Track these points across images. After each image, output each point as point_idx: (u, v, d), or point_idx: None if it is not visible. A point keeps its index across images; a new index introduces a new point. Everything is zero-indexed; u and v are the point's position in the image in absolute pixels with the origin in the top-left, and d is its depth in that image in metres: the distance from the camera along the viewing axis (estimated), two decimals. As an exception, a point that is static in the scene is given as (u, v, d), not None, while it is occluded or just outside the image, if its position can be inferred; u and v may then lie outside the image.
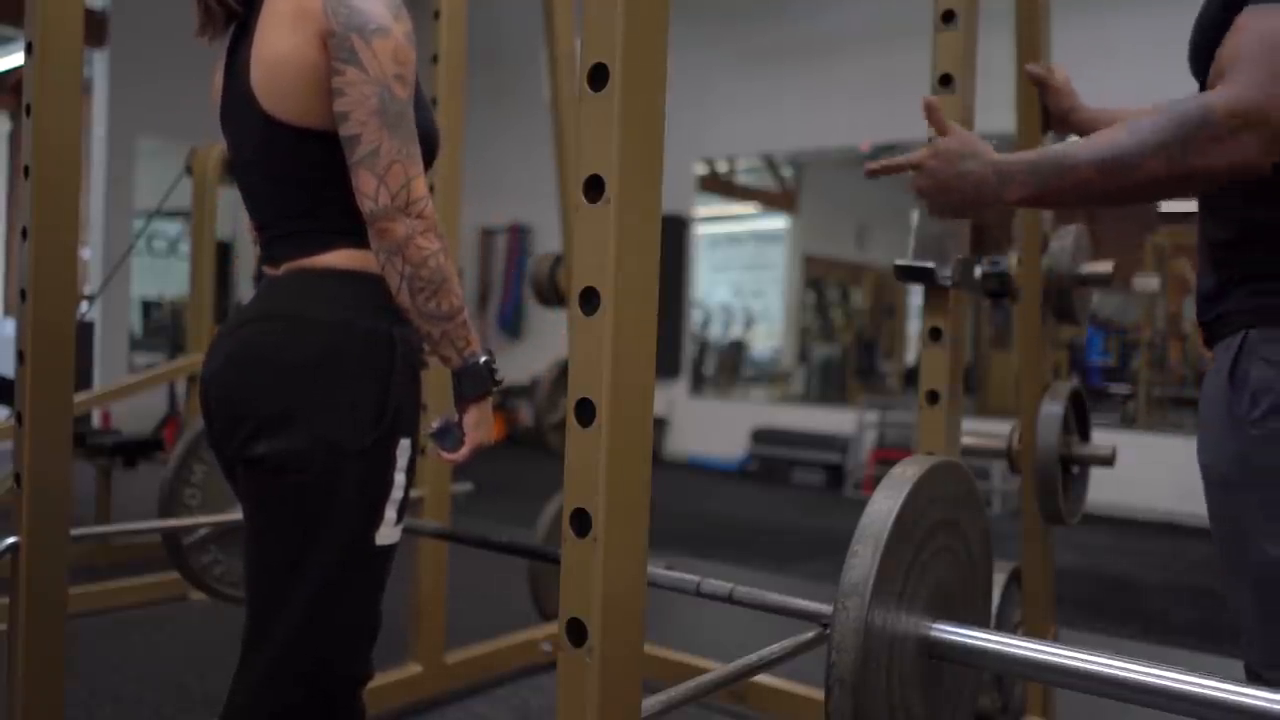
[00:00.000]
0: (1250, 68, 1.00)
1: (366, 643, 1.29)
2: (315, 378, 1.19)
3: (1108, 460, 1.98)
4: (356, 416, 1.20)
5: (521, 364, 7.76)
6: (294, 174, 1.24)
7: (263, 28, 1.20)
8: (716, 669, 1.02)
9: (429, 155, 1.29)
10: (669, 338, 7.78)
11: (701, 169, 8.06)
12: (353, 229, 1.21)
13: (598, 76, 0.77)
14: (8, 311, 8.49)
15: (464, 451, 1.31)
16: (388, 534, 1.25)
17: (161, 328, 7.99)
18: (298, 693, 1.22)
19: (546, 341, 7.96)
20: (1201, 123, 1.02)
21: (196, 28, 1.31)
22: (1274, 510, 1.08)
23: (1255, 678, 1.10)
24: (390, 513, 1.25)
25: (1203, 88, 1.21)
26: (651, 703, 0.85)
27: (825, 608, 1.13)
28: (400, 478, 1.25)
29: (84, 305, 3.92)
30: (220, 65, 1.32)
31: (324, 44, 1.17)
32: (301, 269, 1.24)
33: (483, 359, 1.27)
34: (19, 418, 1.47)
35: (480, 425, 1.30)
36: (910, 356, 7.92)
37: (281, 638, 1.21)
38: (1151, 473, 5.60)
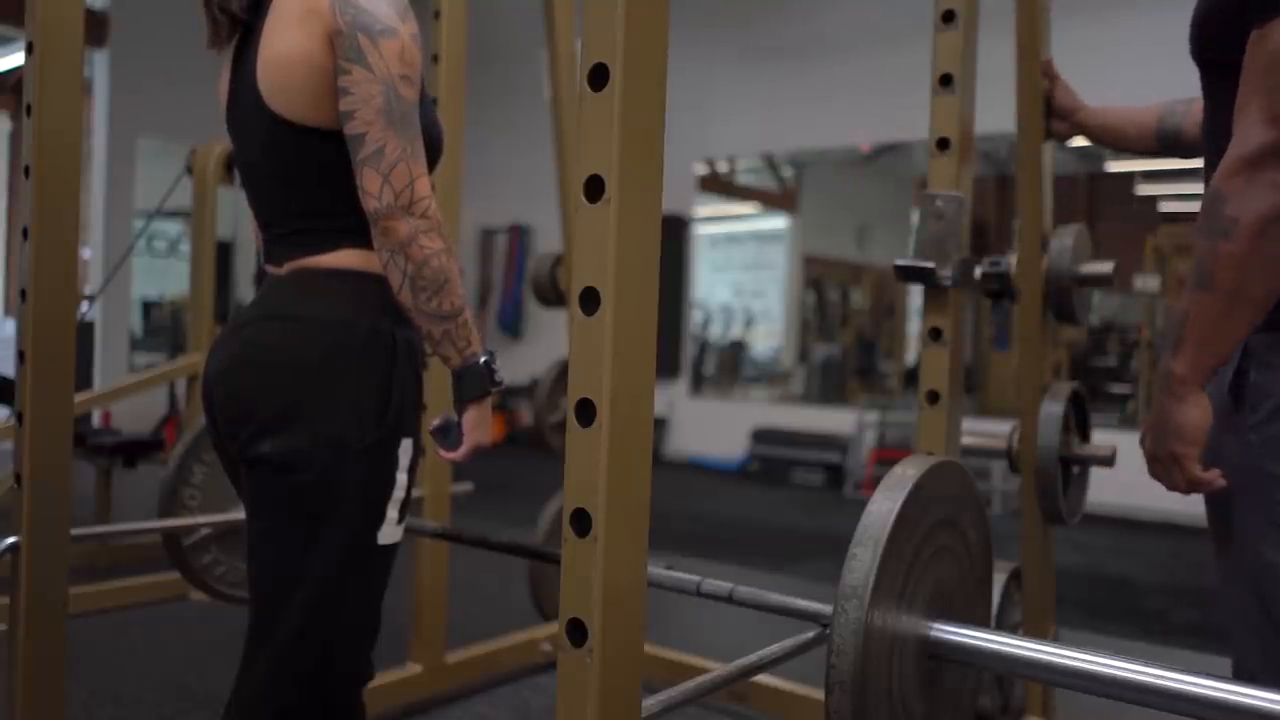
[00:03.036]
0: (1252, 107, 1.00)
1: (368, 642, 1.30)
2: (318, 377, 1.19)
3: (1108, 460, 1.98)
4: (359, 416, 1.20)
5: (521, 364, 7.76)
6: (299, 173, 1.24)
7: (270, 27, 1.21)
8: (716, 669, 1.02)
9: (434, 158, 1.29)
10: (669, 338, 7.78)
11: (701, 169, 8.06)
12: (357, 229, 1.21)
13: (598, 76, 0.77)
14: (8, 311, 8.49)
15: (463, 451, 1.30)
16: (390, 533, 1.25)
17: (161, 328, 7.98)
18: (300, 691, 1.23)
19: (546, 341, 7.96)
20: (1216, 196, 1.02)
21: (207, 40, 1.31)
22: (1275, 515, 1.08)
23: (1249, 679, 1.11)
24: (392, 512, 1.25)
25: (1201, 69, 1.20)
26: (651, 703, 0.85)
27: (825, 608, 1.13)
28: (403, 477, 1.25)
29: (84, 305, 3.91)
30: (226, 66, 1.32)
31: (331, 43, 1.17)
32: (305, 268, 1.25)
33: (483, 359, 1.26)
34: (19, 418, 1.47)
35: (479, 425, 1.29)
36: (910, 356, 7.92)
37: (284, 636, 1.21)
38: (1151, 473, 5.59)
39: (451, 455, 1.31)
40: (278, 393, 1.20)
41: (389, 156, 1.15)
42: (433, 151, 1.27)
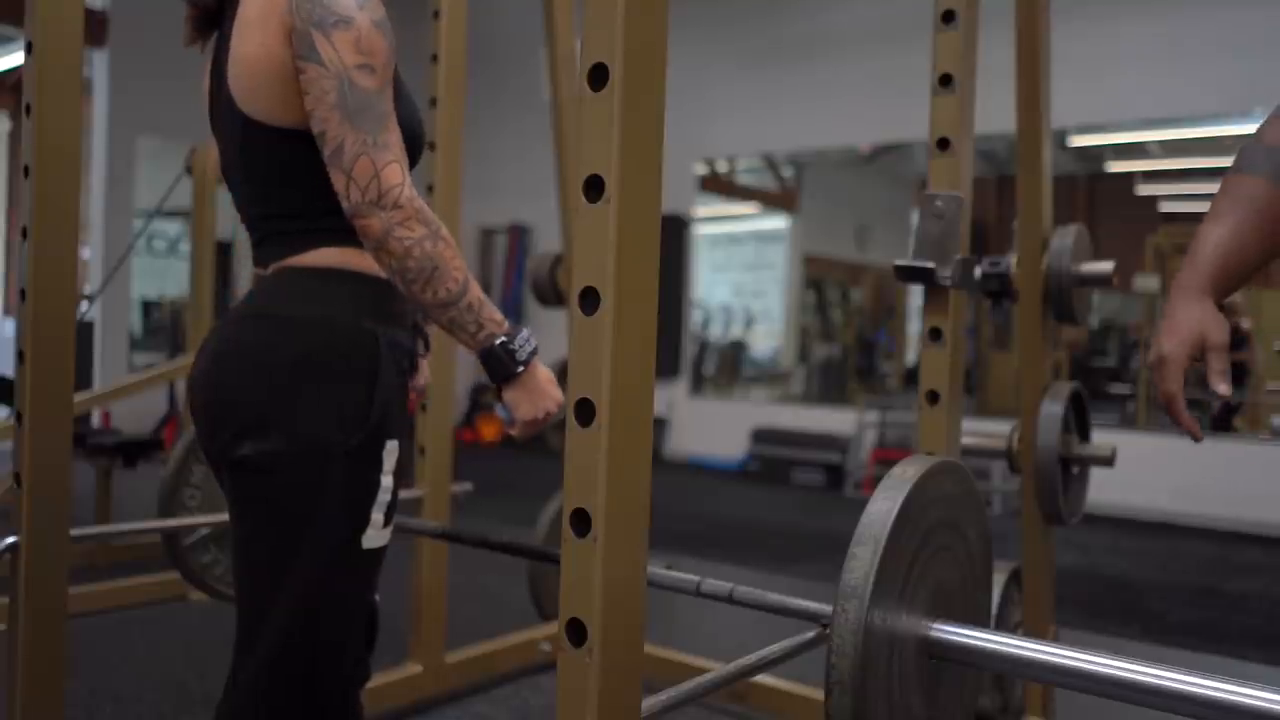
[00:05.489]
0: None
1: (359, 644, 1.28)
2: (297, 377, 1.17)
3: (1108, 460, 1.98)
4: (341, 417, 1.18)
5: (521, 364, 7.74)
6: (274, 175, 1.22)
7: (237, 28, 1.20)
8: (716, 669, 1.02)
9: (414, 151, 1.28)
10: (669, 338, 7.78)
11: (701, 169, 8.06)
12: (337, 228, 1.20)
13: (598, 76, 0.77)
14: (8, 311, 8.48)
15: (517, 431, 1.27)
16: (375, 537, 1.23)
17: (161, 328, 7.98)
18: (288, 696, 1.21)
19: (546, 341, 7.96)
20: None
21: (185, 38, 1.30)
22: None
23: None
24: (377, 515, 1.22)
25: None
26: (651, 703, 0.85)
27: (825, 608, 1.13)
28: (387, 480, 1.23)
29: (84, 305, 3.91)
30: (207, 65, 1.31)
31: (290, 41, 1.15)
32: (288, 268, 1.23)
33: (499, 341, 1.20)
34: (19, 418, 1.47)
35: (522, 404, 1.24)
36: (910, 356, 7.92)
37: (270, 641, 1.19)
38: (1151, 473, 5.60)
39: (512, 432, 1.29)
40: (256, 393, 1.18)
41: (349, 152, 1.12)
42: (413, 145, 1.25)
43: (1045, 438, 1.92)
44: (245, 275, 7.47)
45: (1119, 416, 6.74)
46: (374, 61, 1.15)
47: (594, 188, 0.77)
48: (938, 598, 0.92)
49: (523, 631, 2.79)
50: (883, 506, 0.85)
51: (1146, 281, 6.54)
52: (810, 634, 1.11)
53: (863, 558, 0.83)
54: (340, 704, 1.26)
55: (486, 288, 8.99)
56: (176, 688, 2.55)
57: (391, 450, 1.23)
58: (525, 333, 1.23)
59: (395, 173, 1.13)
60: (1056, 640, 1.22)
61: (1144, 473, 5.37)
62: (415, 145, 1.29)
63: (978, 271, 1.81)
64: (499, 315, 1.21)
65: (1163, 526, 5.65)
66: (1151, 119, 5.99)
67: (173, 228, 7.63)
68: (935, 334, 1.65)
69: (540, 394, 1.25)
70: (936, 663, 0.92)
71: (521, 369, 1.22)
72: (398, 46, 1.23)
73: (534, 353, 1.24)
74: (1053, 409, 1.93)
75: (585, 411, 0.76)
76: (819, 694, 2.24)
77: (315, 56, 1.13)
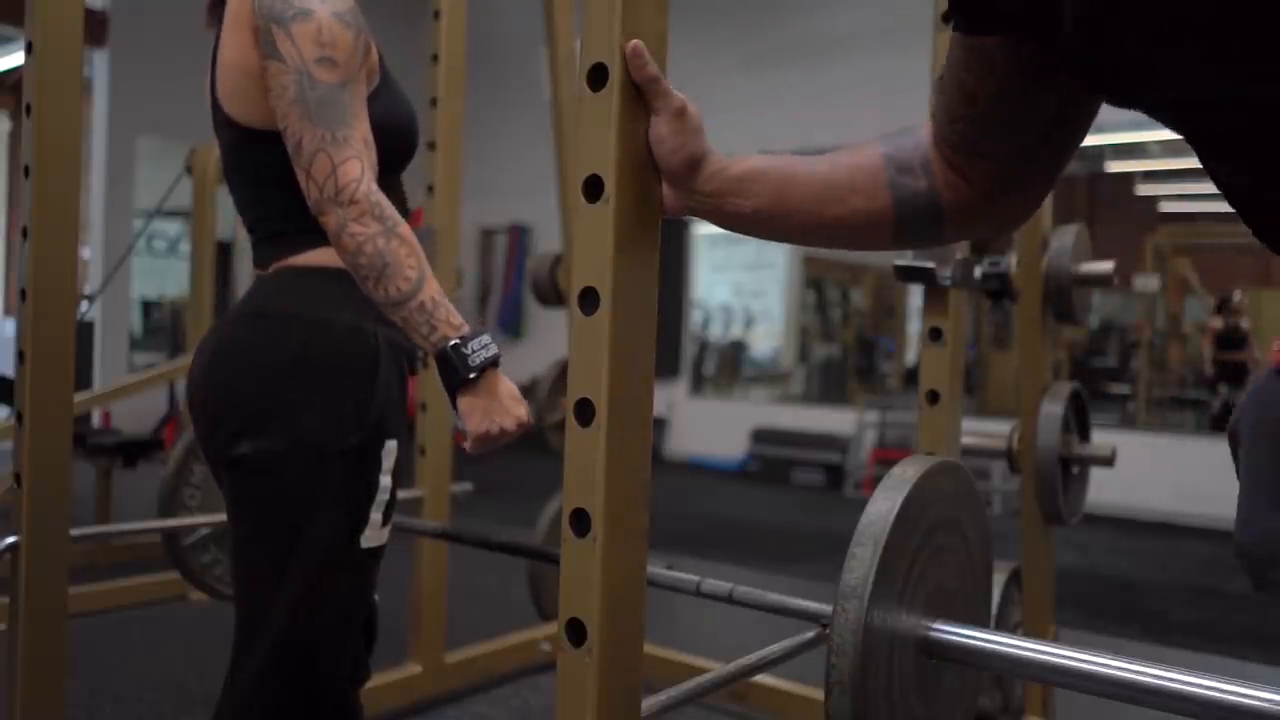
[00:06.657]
0: None
1: (357, 645, 1.28)
2: (295, 376, 1.17)
3: (1108, 460, 1.98)
4: (339, 416, 1.17)
5: (521, 364, 7.76)
6: (265, 176, 1.22)
7: (223, 31, 1.20)
8: (716, 669, 1.02)
9: (407, 147, 1.26)
10: (669, 338, 7.78)
11: (701, 169, 8.05)
12: None
13: (598, 76, 0.77)
14: (8, 311, 8.48)
15: (468, 446, 1.17)
16: (373, 537, 1.22)
17: (161, 328, 7.99)
18: (287, 696, 1.21)
19: (546, 341, 7.96)
20: None
21: (205, 22, 1.31)
22: None
23: None
24: (375, 515, 1.22)
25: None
26: (651, 703, 0.85)
27: (825, 608, 1.13)
28: (386, 480, 1.23)
29: (84, 305, 3.92)
30: (209, 67, 1.31)
31: (258, 41, 1.14)
32: (287, 268, 1.23)
33: (451, 344, 1.10)
34: (19, 418, 1.47)
35: (474, 414, 1.12)
36: (910, 356, 7.92)
37: (268, 642, 1.19)
38: (1151, 473, 5.60)
39: (465, 447, 1.18)
40: (254, 392, 1.18)
41: (306, 149, 1.10)
42: (399, 135, 1.23)
43: (1045, 438, 1.92)
44: (245, 275, 7.48)
45: (1119, 416, 6.74)
46: (336, 54, 1.13)
47: (594, 188, 0.77)
48: (937, 598, 0.92)
49: (523, 631, 2.79)
50: (883, 506, 0.85)
51: (1146, 281, 6.54)
52: (810, 634, 1.11)
53: (863, 558, 0.83)
54: (339, 704, 1.26)
55: (486, 288, 9.00)
56: (176, 688, 2.55)
57: (390, 450, 1.23)
58: (484, 338, 1.13)
59: (353, 168, 1.10)
60: (1056, 640, 1.22)
61: (1144, 473, 5.37)
62: (407, 139, 1.27)
63: (978, 271, 1.81)
64: (457, 319, 1.12)
65: (1163, 526, 5.65)
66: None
67: (173, 228, 7.63)
68: (935, 334, 1.65)
69: (496, 408, 1.13)
70: (936, 663, 0.92)
71: (473, 375, 1.11)
72: (396, 44, 1.22)
73: (491, 360, 1.12)
74: (1053, 409, 1.93)
75: (585, 411, 0.76)
76: (819, 694, 2.24)
77: (275, 53, 1.11)
